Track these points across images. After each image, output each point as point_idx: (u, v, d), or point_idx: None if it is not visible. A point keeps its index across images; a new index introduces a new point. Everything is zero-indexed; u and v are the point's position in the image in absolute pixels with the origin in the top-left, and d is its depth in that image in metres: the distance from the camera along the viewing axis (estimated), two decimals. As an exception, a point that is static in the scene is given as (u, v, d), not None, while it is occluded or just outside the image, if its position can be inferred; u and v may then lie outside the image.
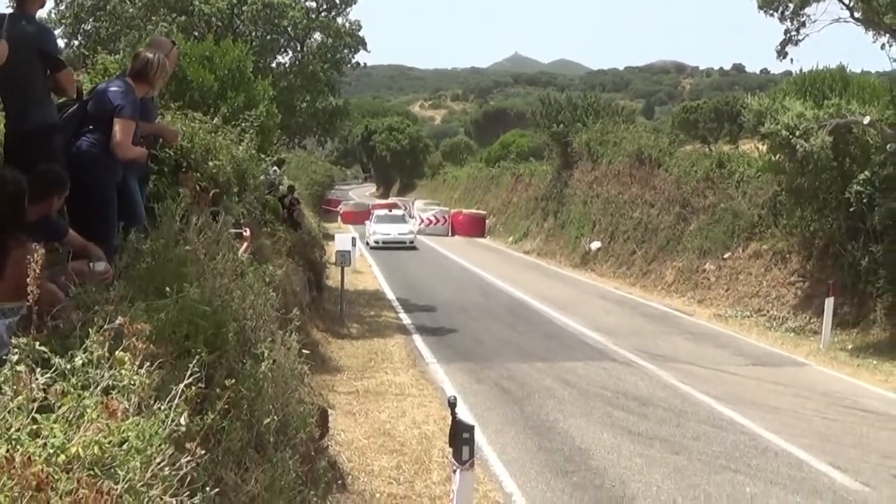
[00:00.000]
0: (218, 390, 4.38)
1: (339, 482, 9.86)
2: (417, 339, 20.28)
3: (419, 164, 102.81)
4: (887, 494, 10.73)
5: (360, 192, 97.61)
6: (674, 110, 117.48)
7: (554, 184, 44.43)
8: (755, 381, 16.75)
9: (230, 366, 5.33)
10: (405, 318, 23.32)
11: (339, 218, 59.21)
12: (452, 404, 7.58)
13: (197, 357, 4.40)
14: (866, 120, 19.79)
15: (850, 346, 19.50)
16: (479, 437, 12.21)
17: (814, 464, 11.76)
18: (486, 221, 53.29)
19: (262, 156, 15.73)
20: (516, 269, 36.07)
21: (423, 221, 53.88)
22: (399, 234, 46.86)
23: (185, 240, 6.27)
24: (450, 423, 7.20)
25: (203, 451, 3.45)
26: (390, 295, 27.95)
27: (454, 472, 7.44)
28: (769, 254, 24.98)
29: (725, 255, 26.84)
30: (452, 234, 51.93)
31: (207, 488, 3.76)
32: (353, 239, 29.72)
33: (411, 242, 46.58)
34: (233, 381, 4.66)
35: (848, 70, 26.02)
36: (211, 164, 10.72)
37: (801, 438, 12.83)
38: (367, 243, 45.79)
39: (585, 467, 11.49)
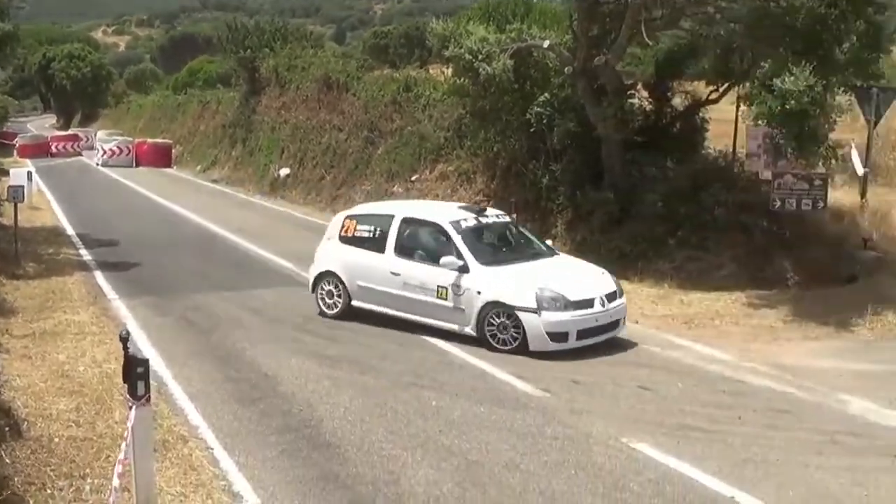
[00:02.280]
0: None
1: (14, 429, 9.27)
2: (98, 276, 19.32)
3: (102, 93, 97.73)
4: (565, 398, 11.24)
5: (40, 124, 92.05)
6: (364, 36, 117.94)
7: (242, 110, 43.44)
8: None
9: None
10: (86, 255, 22.15)
11: (16, 152, 55.42)
12: (124, 339, 7.24)
13: None
14: (546, 44, 20.30)
15: (531, 262, 20.20)
16: (164, 372, 12.05)
17: (497, 374, 12.24)
18: (173, 151, 51.45)
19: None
20: (204, 198, 35.04)
21: (105, 153, 50.51)
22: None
23: None
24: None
25: None
26: (70, 231, 26.43)
27: (130, 408, 7.14)
28: (455, 175, 25.44)
29: (413, 178, 27.13)
30: (137, 165, 49.40)
31: None
32: (30, 173, 27.93)
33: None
34: None
35: (532, -4, 26.63)
36: None
37: (486, 352, 13.22)
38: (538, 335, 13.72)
39: (273, 394, 11.42)
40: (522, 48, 20.35)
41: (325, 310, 15.78)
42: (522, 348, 13.44)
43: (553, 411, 10.76)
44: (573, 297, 13.66)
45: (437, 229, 14.95)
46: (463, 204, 17.45)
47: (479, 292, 13.90)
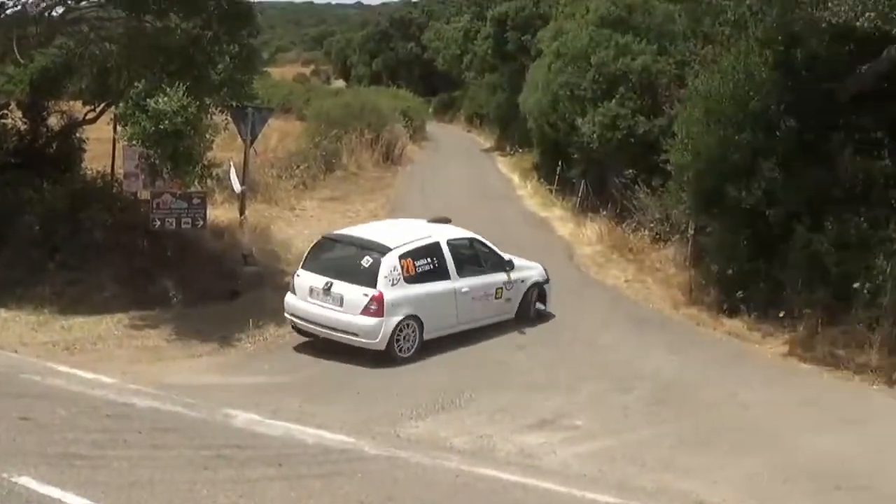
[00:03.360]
0: None
1: None
2: None
3: None
4: None
5: None
6: None
7: None
8: None
9: None
10: None
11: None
12: None
13: None
14: None
15: None
16: None
17: None
18: None
19: None
20: None
21: None
22: None
23: None
24: None
25: None
26: None
27: None
28: None
29: None
30: None
31: None
32: None
33: None
34: None
35: None
36: None
37: None
38: None
39: None
40: None
41: (402, 354, 15.46)
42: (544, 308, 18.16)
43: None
44: None
45: (475, 242, 17.57)
46: (430, 217, 18.36)
47: (522, 280, 17.65)
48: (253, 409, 12.10)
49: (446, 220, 17.82)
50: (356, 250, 15.93)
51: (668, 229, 23.65)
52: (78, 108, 20.84)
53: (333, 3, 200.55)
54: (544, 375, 14.48)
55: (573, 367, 15.06)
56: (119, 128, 18.70)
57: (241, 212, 21.08)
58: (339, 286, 15.35)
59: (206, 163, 16.48)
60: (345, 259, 16.05)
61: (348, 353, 15.13)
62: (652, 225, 24.35)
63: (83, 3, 17.75)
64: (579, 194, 30.61)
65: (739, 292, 18.14)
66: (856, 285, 15.70)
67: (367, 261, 15.57)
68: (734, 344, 17.15)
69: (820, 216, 16.57)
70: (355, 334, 15.20)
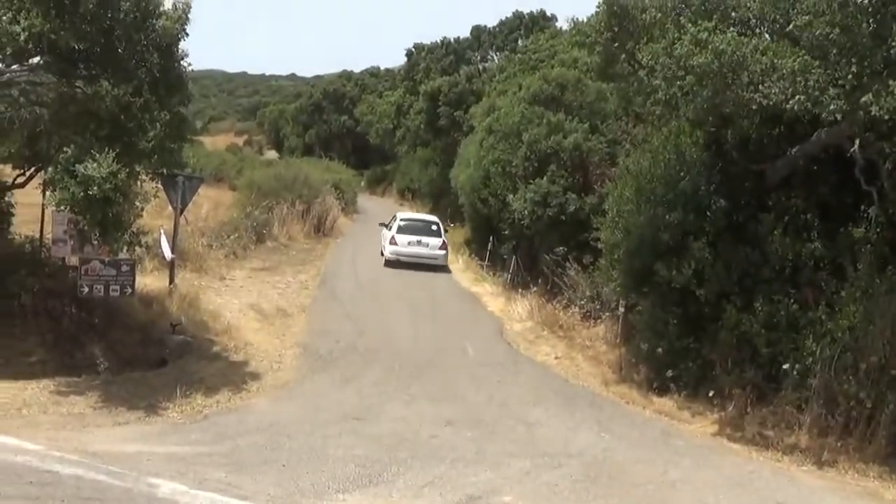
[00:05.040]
0: None
1: None
2: None
3: None
4: None
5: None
6: None
7: None
8: None
9: None
10: None
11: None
12: None
13: None
14: None
15: None
16: None
17: None
18: None
19: None
20: None
21: None
22: None
23: None
24: None
25: None
26: None
27: None
28: None
29: None
30: None
31: None
32: None
33: None
34: None
35: None
36: None
37: None
38: None
39: None
40: None
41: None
42: None
43: None
44: None
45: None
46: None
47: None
48: (178, 479, 11.83)
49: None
50: (424, 224, 36.90)
51: (598, 307, 23.76)
52: (7, 173, 20.55)
53: (267, 74, 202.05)
54: (473, 450, 14.26)
55: (502, 442, 14.87)
56: (48, 193, 18.50)
57: (171, 280, 20.94)
58: (425, 239, 35.16)
59: (135, 230, 16.33)
60: (421, 227, 36.36)
61: (267, 421, 14.92)
62: (582, 302, 24.46)
63: (14, 66, 17.54)
64: (510, 270, 30.83)
65: (669, 371, 18.17)
66: (785, 366, 15.86)
67: (434, 226, 36.69)
68: (664, 422, 17.14)
69: (750, 296, 16.73)
70: (435, 259, 34.94)
